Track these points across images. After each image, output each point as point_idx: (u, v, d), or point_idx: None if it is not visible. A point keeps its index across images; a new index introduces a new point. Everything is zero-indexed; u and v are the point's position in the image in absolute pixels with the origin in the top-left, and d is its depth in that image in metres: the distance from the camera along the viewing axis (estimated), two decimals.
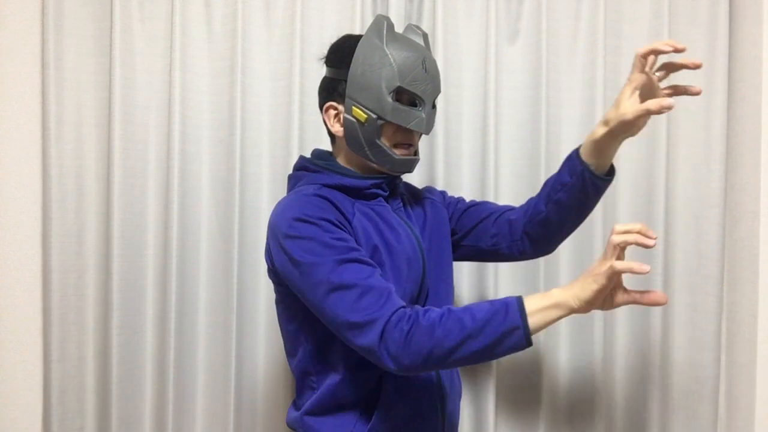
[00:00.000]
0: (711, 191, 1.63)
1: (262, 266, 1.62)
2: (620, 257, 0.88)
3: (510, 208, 1.24)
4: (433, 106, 1.11)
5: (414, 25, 1.12)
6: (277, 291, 1.10)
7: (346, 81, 1.06)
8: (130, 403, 1.60)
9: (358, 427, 1.04)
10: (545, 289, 1.63)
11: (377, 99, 1.03)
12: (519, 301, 0.89)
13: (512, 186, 1.67)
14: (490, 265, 1.62)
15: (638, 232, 0.86)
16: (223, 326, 1.62)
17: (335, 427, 1.05)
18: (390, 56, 1.02)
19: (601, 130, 1.00)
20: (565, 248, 1.66)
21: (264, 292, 1.62)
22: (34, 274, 1.62)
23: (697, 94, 0.98)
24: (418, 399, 1.07)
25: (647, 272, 0.83)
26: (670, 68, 0.99)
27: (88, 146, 1.61)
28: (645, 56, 0.95)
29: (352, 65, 1.05)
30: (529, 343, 0.89)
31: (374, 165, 1.09)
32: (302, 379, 1.10)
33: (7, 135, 1.61)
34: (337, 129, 1.10)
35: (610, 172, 1.08)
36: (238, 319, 1.61)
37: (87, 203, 1.61)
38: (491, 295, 1.62)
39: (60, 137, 1.56)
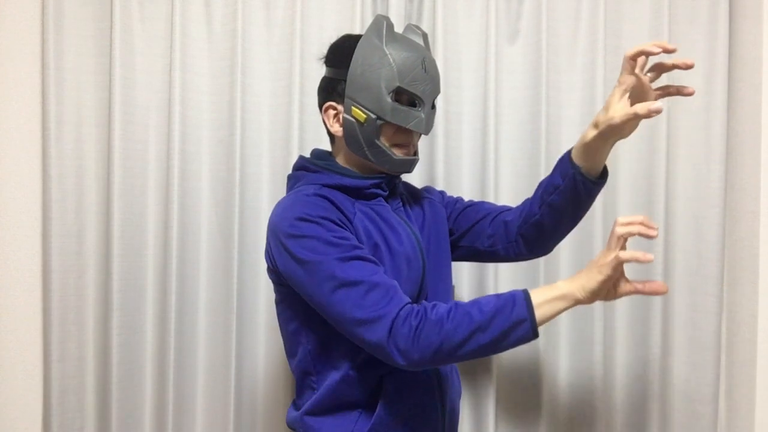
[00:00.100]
0: (711, 191, 1.63)
1: (262, 266, 1.62)
2: (623, 248, 0.89)
3: (507, 209, 1.24)
4: (433, 107, 1.11)
5: (414, 25, 1.12)
6: (277, 291, 1.10)
7: (345, 81, 1.05)
8: (130, 403, 1.60)
9: (358, 427, 1.04)
10: None
11: (377, 99, 1.03)
12: (525, 293, 0.91)
13: (512, 186, 1.67)
14: (490, 265, 1.63)
15: (640, 224, 0.88)
16: (223, 326, 1.63)
17: (335, 427, 1.05)
18: (389, 56, 1.02)
19: (592, 133, 0.99)
20: (565, 248, 1.66)
21: (264, 292, 1.62)
22: (34, 274, 1.62)
23: (690, 94, 0.97)
24: (419, 399, 1.07)
25: (651, 261, 0.85)
26: (661, 69, 0.97)
27: (88, 146, 1.61)
28: (634, 58, 0.94)
29: (351, 65, 1.05)
30: (535, 335, 0.90)
31: (373, 165, 1.09)
32: (302, 379, 1.10)
33: (7, 135, 1.61)
34: (337, 129, 1.10)
35: (603, 175, 1.08)
36: (238, 319, 1.61)
37: (87, 203, 1.61)
38: None
39: (60, 137, 1.56)
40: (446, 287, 1.18)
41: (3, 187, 1.61)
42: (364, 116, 1.04)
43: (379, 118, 1.04)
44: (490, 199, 1.61)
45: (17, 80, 1.60)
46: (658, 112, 0.88)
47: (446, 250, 1.20)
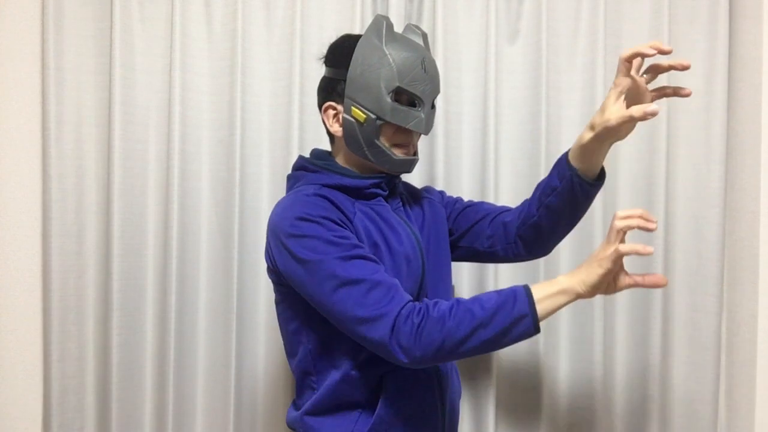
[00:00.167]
0: (711, 191, 1.63)
1: (262, 266, 1.62)
2: (622, 242, 0.89)
3: (506, 210, 1.24)
4: (432, 107, 1.10)
5: (413, 25, 1.12)
6: (277, 291, 1.10)
7: (345, 81, 1.05)
8: (130, 403, 1.61)
9: (358, 427, 1.04)
10: None
11: (376, 99, 1.03)
12: (526, 289, 0.92)
13: (512, 186, 1.67)
14: (490, 265, 1.63)
15: (639, 217, 0.88)
16: (223, 326, 1.63)
17: (335, 427, 1.05)
18: (389, 56, 1.02)
19: (588, 135, 0.99)
20: (565, 248, 1.66)
21: (264, 292, 1.62)
22: (34, 274, 1.62)
23: (687, 95, 0.97)
24: (419, 398, 1.07)
25: (651, 253, 0.85)
26: (657, 70, 0.97)
27: (88, 146, 1.61)
28: (629, 60, 0.93)
29: (351, 65, 1.05)
30: (537, 330, 0.91)
31: (373, 165, 1.09)
32: (302, 379, 1.10)
33: (7, 135, 1.61)
34: (336, 129, 1.10)
35: (601, 177, 1.08)
36: (238, 319, 1.61)
37: (87, 203, 1.61)
38: None
39: (60, 137, 1.56)
40: (446, 287, 1.18)
41: (3, 187, 1.61)
42: (364, 116, 1.04)
43: (378, 118, 1.04)
44: (490, 199, 1.61)
45: (17, 80, 1.61)
46: (653, 114, 0.88)
47: (446, 250, 1.20)
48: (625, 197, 1.68)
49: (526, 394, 1.67)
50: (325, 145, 1.38)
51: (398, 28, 1.58)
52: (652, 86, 1.10)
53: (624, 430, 1.68)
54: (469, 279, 1.64)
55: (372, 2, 1.63)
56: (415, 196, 1.24)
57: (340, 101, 1.07)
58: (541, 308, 0.91)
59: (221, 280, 1.63)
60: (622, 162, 1.68)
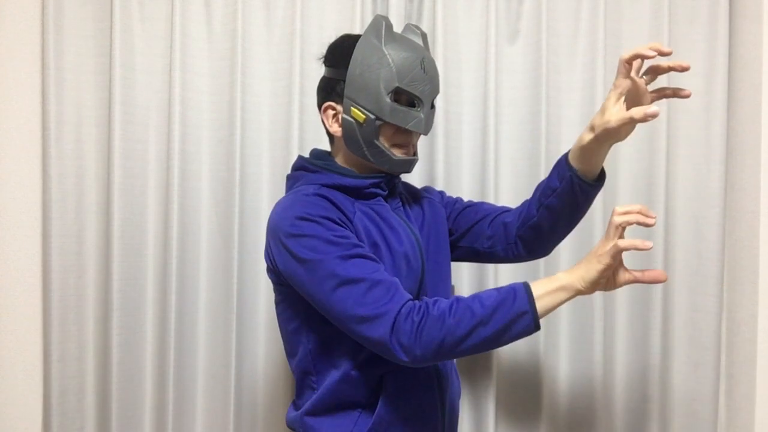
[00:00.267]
0: (711, 191, 1.63)
1: (262, 266, 1.62)
2: (621, 238, 0.89)
3: (506, 210, 1.24)
4: (432, 107, 1.10)
5: (413, 25, 1.12)
6: (277, 291, 1.10)
7: (344, 81, 1.05)
8: (130, 403, 1.61)
9: (358, 427, 1.04)
10: None
11: (375, 99, 1.03)
12: (526, 286, 0.91)
13: (512, 186, 1.67)
14: (490, 265, 1.63)
15: (638, 212, 0.88)
16: (223, 326, 1.63)
17: (335, 427, 1.05)
18: (388, 56, 1.02)
19: (588, 136, 0.99)
20: (565, 248, 1.66)
21: (264, 292, 1.62)
22: (34, 274, 1.62)
23: (686, 96, 0.96)
24: (419, 398, 1.07)
25: (650, 248, 0.86)
26: (656, 72, 0.97)
27: (88, 146, 1.61)
28: (629, 61, 0.93)
29: (350, 65, 1.05)
30: (537, 327, 0.91)
31: (373, 165, 1.09)
32: (302, 379, 1.10)
33: (7, 135, 1.61)
34: (336, 129, 1.10)
35: (600, 178, 1.08)
36: (238, 319, 1.61)
37: (87, 203, 1.61)
38: None
39: (60, 137, 1.56)
40: (446, 287, 1.18)
41: (3, 187, 1.61)
42: (363, 116, 1.04)
43: (378, 118, 1.04)
44: (490, 199, 1.61)
45: (17, 80, 1.61)
46: (654, 116, 0.88)
47: (446, 250, 1.20)
48: (625, 197, 1.68)
49: (526, 394, 1.67)
50: (325, 145, 1.38)
51: (398, 28, 1.58)
52: (651, 87, 1.10)
53: (624, 430, 1.68)
54: (469, 279, 1.64)
55: (372, 2, 1.63)
56: (414, 196, 1.24)
57: (340, 101, 1.07)
58: (540, 305, 0.91)
59: (221, 280, 1.63)
60: (622, 162, 1.68)
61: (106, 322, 1.58)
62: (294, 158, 1.57)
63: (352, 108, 1.05)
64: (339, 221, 1.00)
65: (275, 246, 1.00)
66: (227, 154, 1.62)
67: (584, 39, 1.64)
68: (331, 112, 1.10)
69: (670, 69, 0.93)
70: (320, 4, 1.63)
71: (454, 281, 1.62)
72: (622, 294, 1.68)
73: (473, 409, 1.66)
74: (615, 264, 0.90)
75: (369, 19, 1.61)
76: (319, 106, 1.12)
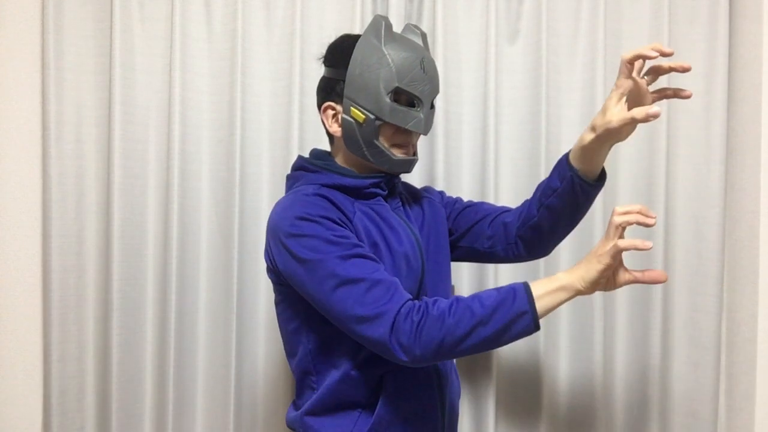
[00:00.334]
0: (711, 191, 1.63)
1: (262, 266, 1.62)
2: (621, 238, 0.89)
3: (506, 210, 1.24)
4: (432, 107, 1.10)
5: (412, 25, 1.12)
6: (277, 291, 1.10)
7: (344, 81, 1.05)
8: (130, 403, 1.61)
9: (358, 427, 1.04)
10: None
11: (375, 100, 1.03)
12: (525, 286, 0.91)
13: (512, 186, 1.67)
14: (490, 265, 1.63)
15: (638, 212, 0.88)
16: (223, 326, 1.63)
17: (335, 427, 1.05)
18: (388, 57, 1.02)
19: (589, 136, 0.99)
20: (565, 248, 1.66)
21: (264, 292, 1.62)
22: (34, 274, 1.62)
23: (687, 97, 0.96)
24: (419, 398, 1.07)
25: (650, 248, 0.86)
26: (658, 72, 0.97)
27: (88, 146, 1.61)
28: (631, 62, 0.93)
29: (350, 65, 1.05)
30: (537, 327, 0.90)
31: (372, 165, 1.09)
32: (302, 379, 1.10)
33: (7, 135, 1.61)
34: (335, 129, 1.10)
35: (601, 178, 1.08)
36: (238, 319, 1.61)
37: (87, 203, 1.61)
38: None
39: (60, 137, 1.56)
40: (446, 287, 1.18)
41: (3, 187, 1.61)
42: (363, 117, 1.04)
43: (377, 118, 1.04)
44: (490, 199, 1.61)
45: (17, 80, 1.61)
46: (655, 116, 0.88)
47: (446, 250, 1.20)
48: (625, 197, 1.68)
49: (526, 394, 1.67)
50: (325, 145, 1.38)
51: (398, 28, 1.58)
52: (652, 88, 1.10)
53: (624, 430, 1.68)
54: (469, 279, 1.64)
55: (372, 2, 1.63)
56: (414, 196, 1.24)
57: (339, 101, 1.07)
58: (540, 305, 0.91)
59: (221, 280, 1.63)
60: (622, 162, 1.68)
61: (106, 322, 1.58)
62: (294, 158, 1.56)
63: (352, 108, 1.05)
64: (339, 221, 1.00)
65: (275, 246, 1.00)
66: (227, 154, 1.62)
67: (584, 39, 1.64)
68: (330, 112, 1.10)
69: (671, 70, 0.94)
70: (320, 4, 1.63)
71: (454, 281, 1.62)
72: (622, 294, 1.68)
73: (473, 409, 1.66)
74: (615, 264, 0.90)
75: (369, 19, 1.61)
76: (319, 106, 1.12)
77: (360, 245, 0.97)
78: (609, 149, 1.02)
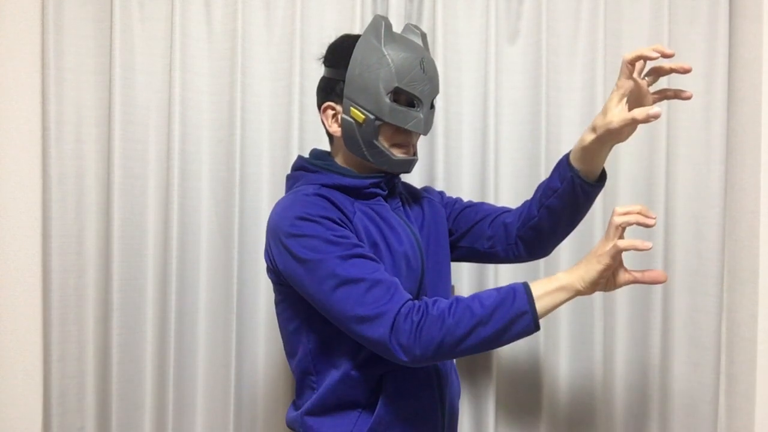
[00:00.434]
0: (711, 191, 1.63)
1: (262, 266, 1.62)
2: (621, 238, 0.89)
3: (506, 210, 1.24)
4: (432, 107, 1.10)
5: (412, 25, 1.12)
6: (277, 291, 1.10)
7: (344, 81, 1.05)
8: (130, 403, 1.61)
9: (358, 427, 1.04)
10: None
11: (375, 100, 1.03)
12: (525, 286, 0.91)
13: (512, 186, 1.67)
14: (490, 265, 1.63)
15: (638, 213, 0.88)
16: (223, 326, 1.63)
17: (335, 427, 1.05)
18: (388, 57, 1.02)
19: (589, 137, 0.99)
20: (565, 248, 1.66)
21: (264, 292, 1.62)
22: (34, 274, 1.62)
23: (688, 98, 0.97)
24: (419, 398, 1.07)
25: (650, 248, 0.86)
26: (658, 73, 0.97)
27: (88, 146, 1.61)
28: (632, 62, 0.93)
29: (350, 66, 1.05)
30: (537, 327, 0.91)
31: (372, 165, 1.09)
32: (302, 379, 1.10)
33: (7, 135, 1.61)
34: (335, 129, 1.10)
35: (602, 178, 1.08)
36: (238, 319, 1.61)
37: (87, 203, 1.61)
38: None
39: (60, 137, 1.56)
40: (446, 287, 1.18)
41: (3, 187, 1.61)
42: (363, 117, 1.04)
43: (377, 118, 1.04)
44: (490, 199, 1.61)
45: (17, 80, 1.61)
46: (656, 117, 0.88)
47: (446, 250, 1.20)
48: (625, 197, 1.68)
49: (526, 394, 1.67)
50: (325, 145, 1.38)
51: (398, 28, 1.58)
52: (653, 88, 1.10)
53: (624, 430, 1.68)
54: (469, 279, 1.64)
55: (372, 2, 1.63)
56: (414, 196, 1.24)
57: (339, 101, 1.07)
58: (540, 305, 0.91)
59: (221, 280, 1.63)
60: (622, 162, 1.68)
61: (106, 322, 1.58)
62: (294, 158, 1.56)
63: (352, 108, 1.05)
64: (339, 221, 1.00)
65: (275, 246, 1.00)
66: (227, 154, 1.62)
67: (584, 39, 1.64)
68: (330, 113, 1.10)
69: (672, 71, 0.94)
70: (320, 4, 1.63)
71: (454, 281, 1.62)
72: (622, 294, 1.68)
73: (473, 409, 1.66)
74: (615, 264, 0.90)
75: (369, 19, 1.61)
76: (319, 107, 1.12)
77: (360, 245, 0.97)
78: (609, 150, 1.02)
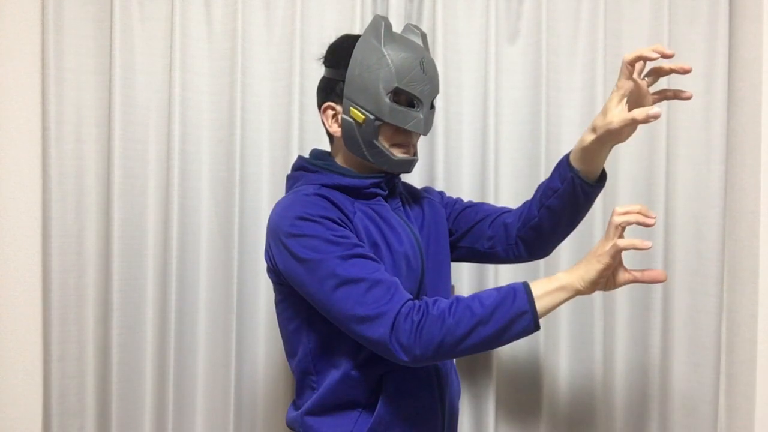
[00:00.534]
0: (711, 191, 1.63)
1: (262, 266, 1.62)
2: (621, 238, 0.90)
3: (507, 210, 1.24)
4: (432, 107, 1.10)
5: (412, 25, 1.12)
6: (277, 291, 1.10)
7: (344, 81, 1.05)
8: (130, 403, 1.61)
9: (358, 427, 1.04)
10: None
11: (375, 100, 1.03)
12: (525, 285, 0.92)
13: (512, 186, 1.67)
14: (491, 265, 1.63)
15: (638, 212, 0.89)
16: (223, 326, 1.63)
17: (335, 427, 1.05)
18: (387, 57, 1.02)
19: (589, 137, 0.99)
20: (565, 248, 1.66)
21: (264, 292, 1.62)
22: (34, 274, 1.62)
23: (687, 98, 0.97)
24: (419, 398, 1.07)
25: (649, 247, 0.86)
26: (658, 73, 0.97)
27: (88, 146, 1.61)
28: (632, 63, 0.93)
29: (349, 66, 1.05)
30: (537, 327, 0.91)
31: (372, 165, 1.09)
32: (302, 379, 1.10)
33: (7, 135, 1.61)
34: (335, 129, 1.10)
35: (602, 178, 1.08)
36: (238, 319, 1.61)
37: (87, 203, 1.61)
38: None
39: (60, 137, 1.56)
40: (446, 287, 1.18)
41: (3, 187, 1.61)
42: (363, 117, 1.04)
43: (377, 118, 1.04)
44: (490, 199, 1.61)
45: (17, 80, 1.61)
46: (656, 117, 0.88)
47: (446, 250, 1.20)
48: (625, 197, 1.68)
49: (526, 394, 1.67)
50: (325, 145, 1.38)
51: (398, 28, 1.58)
52: (652, 89, 1.10)
53: (624, 430, 1.68)
54: (469, 279, 1.64)
55: (372, 2, 1.63)
56: (414, 196, 1.24)
57: (339, 102, 1.07)
58: (540, 305, 0.91)
59: (221, 280, 1.63)
60: (622, 162, 1.68)
61: (106, 322, 1.58)
62: (294, 158, 1.57)
63: (352, 108, 1.05)
64: (339, 221, 1.00)
65: (275, 246, 1.00)
66: (227, 154, 1.62)
67: (584, 39, 1.64)
68: (330, 113, 1.10)
69: (671, 71, 0.94)
70: (320, 4, 1.63)
71: (454, 281, 1.62)
72: (622, 294, 1.68)
73: (473, 409, 1.66)
74: (614, 264, 0.90)
75: (369, 19, 1.61)
76: (319, 107, 1.12)
77: (360, 245, 0.98)
78: (609, 150, 1.03)
